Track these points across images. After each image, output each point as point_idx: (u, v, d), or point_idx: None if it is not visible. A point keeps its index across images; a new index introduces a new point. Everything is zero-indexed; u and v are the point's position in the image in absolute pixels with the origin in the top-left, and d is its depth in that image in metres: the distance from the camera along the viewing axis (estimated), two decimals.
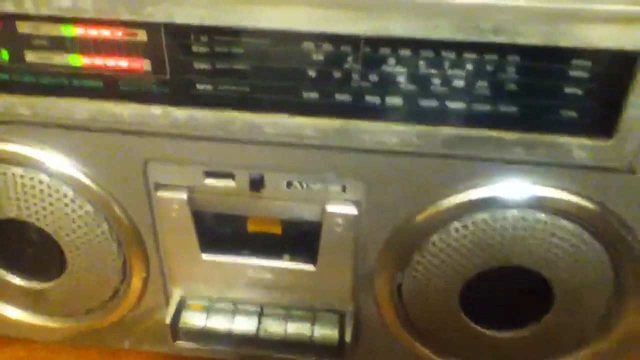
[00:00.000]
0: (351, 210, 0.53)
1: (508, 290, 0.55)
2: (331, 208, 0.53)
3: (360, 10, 0.42)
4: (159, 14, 0.44)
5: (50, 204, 0.55)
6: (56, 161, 0.53)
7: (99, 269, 0.59)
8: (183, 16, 0.44)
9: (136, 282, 0.60)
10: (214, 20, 0.44)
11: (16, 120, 0.51)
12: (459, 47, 0.44)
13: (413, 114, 0.47)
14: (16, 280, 0.62)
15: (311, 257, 0.57)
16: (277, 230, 0.57)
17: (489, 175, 0.49)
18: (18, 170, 0.54)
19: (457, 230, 0.51)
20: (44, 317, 0.65)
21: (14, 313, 0.65)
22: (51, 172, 0.54)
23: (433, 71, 0.45)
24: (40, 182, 0.54)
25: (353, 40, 0.44)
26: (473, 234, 0.51)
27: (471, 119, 0.46)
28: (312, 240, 0.56)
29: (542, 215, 0.50)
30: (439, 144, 0.47)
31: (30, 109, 0.50)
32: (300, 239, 0.57)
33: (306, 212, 0.54)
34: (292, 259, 0.58)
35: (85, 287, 0.61)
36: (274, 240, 0.57)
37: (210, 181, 0.53)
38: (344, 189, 0.52)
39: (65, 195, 0.55)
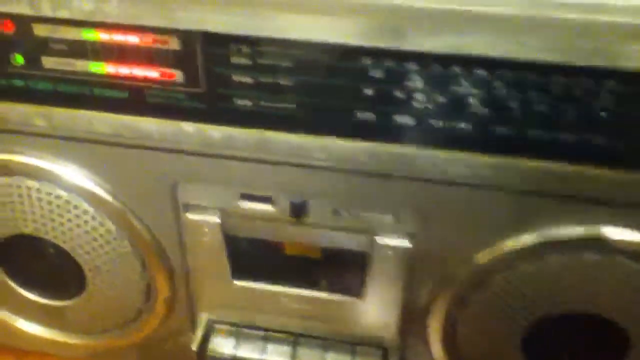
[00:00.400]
0: (404, 242, 0.46)
1: (576, 337, 0.49)
2: (382, 239, 0.47)
3: (433, 24, 0.36)
4: (193, 21, 0.38)
5: (69, 221, 0.50)
6: (75, 175, 0.48)
7: (120, 288, 0.54)
8: (220, 24, 0.38)
9: (160, 303, 0.55)
10: (256, 30, 0.38)
11: (32, 131, 0.46)
12: (547, 69, 0.37)
13: (485, 142, 0.40)
14: (33, 296, 0.57)
15: (355, 288, 0.51)
16: (317, 256, 0.51)
17: (567, 214, 0.42)
18: (34, 184, 0.49)
19: (525, 271, 0.45)
20: (61, 333, 0.60)
21: (30, 327, 0.61)
22: (70, 187, 0.48)
23: (513, 94, 0.38)
24: (58, 197, 0.49)
25: (421, 58, 0.37)
26: (543, 277, 0.45)
27: (556, 151, 0.39)
28: (356, 270, 0.50)
29: (622, 260, 0.43)
30: (514, 178, 0.41)
31: (46, 120, 0.45)
32: (343, 267, 0.51)
33: (353, 242, 0.48)
34: (333, 290, 0.52)
35: (105, 307, 0.56)
36: (313, 267, 0.52)
37: (245, 204, 0.47)
38: (397, 220, 0.46)
39: (85, 212, 0.49)
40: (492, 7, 0.35)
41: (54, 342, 0.61)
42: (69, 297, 0.56)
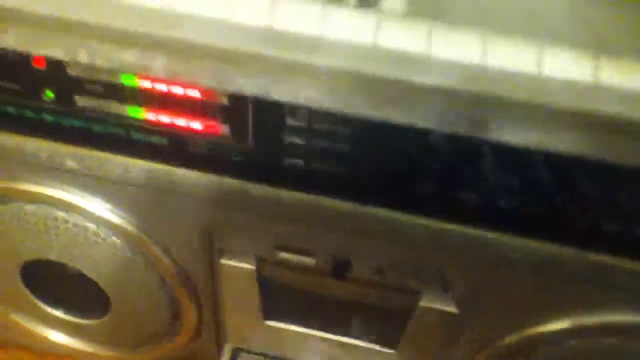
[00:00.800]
0: (450, 308, 0.44)
1: None
2: (427, 303, 0.44)
3: (519, 118, 0.32)
4: (252, 87, 0.34)
5: (96, 252, 0.48)
6: (105, 211, 0.45)
7: (146, 315, 0.53)
8: (285, 94, 0.34)
9: (186, 330, 0.54)
10: (328, 104, 0.34)
11: (63, 169, 0.42)
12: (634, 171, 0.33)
13: (558, 232, 0.37)
14: (60, 313, 0.56)
15: (390, 339, 0.49)
16: (355, 305, 0.49)
17: (627, 302, 0.40)
18: (62, 215, 0.46)
19: (573, 347, 0.43)
20: (84, 344, 0.59)
21: (55, 336, 0.59)
22: (99, 220, 0.46)
23: (593, 190, 0.35)
24: (86, 229, 0.46)
25: (498, 146, 0.34)
26: (592, 354, 0.43)
27: (630, 248, 0.36)
28: (394, 321, 0.48)
29: None
30: (581, 269, 0.38)
31: (79, 162, 0.41)
32: (380, 316, 0.49)
33: (395, 301, 0.46)
34: (367, 337, 0.50)
35: (130, 329, 0.55)
36: (349, 311, 0.50)
37: (284, 255, 0.45)
38: (446, 288, 0.43)
39: (113, 246, 0.47)
40: (584, 104, 0.31)
41: (79, 351, 0.60)
42: (93, 317, 0.55)
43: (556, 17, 0.32)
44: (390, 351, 0.49)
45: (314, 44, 0.32)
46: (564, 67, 0.31)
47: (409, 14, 0.33)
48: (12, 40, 0.35)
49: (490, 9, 0.33)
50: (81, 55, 0.35)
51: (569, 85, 0.31)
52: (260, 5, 0.33)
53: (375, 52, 0.32)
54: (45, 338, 0.59)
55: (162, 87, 0.37)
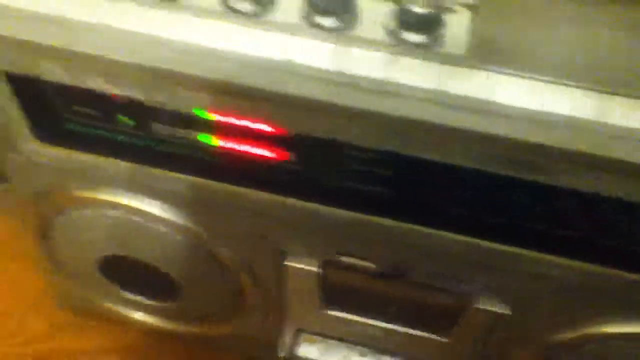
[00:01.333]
0: (502, 309, 0.47)
1: None
2: (479, 304, 0.47)
3: (573, 164, 0.33)
4: (318, 131, 0.36)
5: (170, 252, 0.52)
6: (179, 218, 0.48)
7: (213, 300, 0.57)
8: (351, 137, 0.36)
9: (250, 312, 0.58)
10: (393, 147, 0.35)
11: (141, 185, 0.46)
12: None
13: (589, 252, 0.39)
14: (138, 298, 0.61)
15: (443, 328, 0.52)
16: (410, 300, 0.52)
17: None
18: (138, 220, 0.50)
19: (616, 346, 0.46)
20: (164, 322, 0.65)
21: (138, 315, 0.65)
22: (173, 226, 0.49)
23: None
24: (159, 231, 0.50)
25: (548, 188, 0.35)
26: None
27: None
28: (447, 314, 0.51)
29: None
30: (617, 287, 0.40)
31: (154, 180, 0.44)
32: (435, 308, 0.52)
33: (449, 301, 0.48)
34: (421, 326, 0.53)
35: (197, 311, 0.60)
36: (404, 305, 0.53)
37: (345, 258, 0.48)
38: (497, 293, 0.46)
39: (186, 247, 0.51)
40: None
41: (155, 326, 0.65)
42: (168, 300, 0.60)
43: (620, 65, 0.33)
44: (442, 340, 0.53)
45: (380, 88, 0.34)
46: (625, 116, 0.32)
47: (472, 59, 0.34)
48: (99, 82, 0.37)
49: (552, 54, 0.33)
50: (158, 98, 0.37)
51: (630, 134, 0.32)
52: (327, 49, 0.34)
53: (440, 98, 0.33)
54: (126, 316, 0.64)
55: (232, 120, 0.39)
